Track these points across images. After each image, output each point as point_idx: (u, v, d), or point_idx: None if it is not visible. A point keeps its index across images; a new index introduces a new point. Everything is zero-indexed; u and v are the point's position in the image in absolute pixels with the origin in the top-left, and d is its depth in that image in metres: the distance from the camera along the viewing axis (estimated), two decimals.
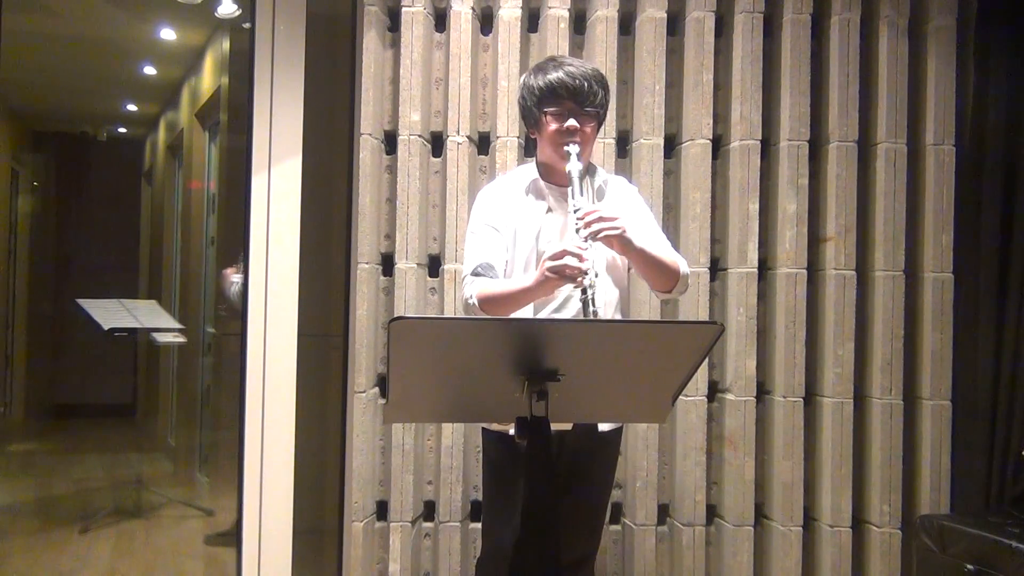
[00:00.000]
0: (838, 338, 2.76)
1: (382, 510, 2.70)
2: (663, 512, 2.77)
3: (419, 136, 2.68)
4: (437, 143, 2.76)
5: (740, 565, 2.72)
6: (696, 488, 2.70)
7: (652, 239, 2.06)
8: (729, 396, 2.75)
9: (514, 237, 2.07)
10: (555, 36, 2.69)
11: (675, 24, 2.82)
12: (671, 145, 2.82)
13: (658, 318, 2.68)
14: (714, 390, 2.80)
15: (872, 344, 2.80)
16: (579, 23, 2.82)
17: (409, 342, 1.46)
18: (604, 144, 2.70)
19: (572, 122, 1.99)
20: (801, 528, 2.74)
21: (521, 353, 1.48)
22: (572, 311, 2.03)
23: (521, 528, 1.65)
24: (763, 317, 2.80)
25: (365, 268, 2.65)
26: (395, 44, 2.74)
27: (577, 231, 1.84)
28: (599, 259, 1.97)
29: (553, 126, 2.01)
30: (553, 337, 1.50)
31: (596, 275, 1.82)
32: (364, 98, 2.68)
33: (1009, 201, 2.93)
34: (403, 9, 2.67)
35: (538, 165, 2.14)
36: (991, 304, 2.91)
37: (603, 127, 2.67)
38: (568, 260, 1.78)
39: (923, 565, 2.69)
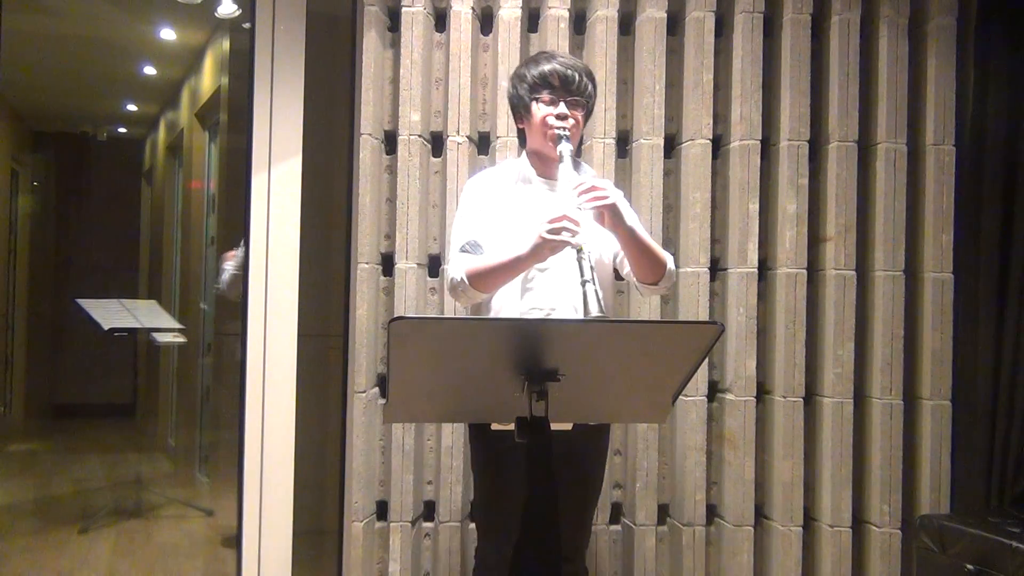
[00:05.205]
0: (838, 338, 2.76)
1: (382, 510, 2.70)
2: (663, 512, 2.77)
3: (419, 136, 2.68)
4: (437, 143, 2.76)
5: (740, 565, 2.72)
6: (696, 488, 2.70)
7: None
8: (729, 396, 2.75)
9: (502, 223, 2.07)
10: (555, 36, 2.69)
11: (675, 24, 2.82)
12: (671, 145, 2.82)
13: (658, 318, 2.68)
14: (714, 390, 2.80)
15: (872, 344, 2.80)
16: (579, 23, 2.82)
17: (409, 342, 1.46)
18: (604, 144, 2.70)
19: (563, 108, 2.04)
20: (801, 528, 2.74)
21: (521, 353, 1.48)
22: (566, 294, 2.04)
23: (521, 528, 1.66)
24: (763, 317, 2.80)
25: (365, 268, 2.65)
26: (395, 44, 2.74)
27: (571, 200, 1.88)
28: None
29: (544, 112, 2.05)
30: (553, 337, 1.50)
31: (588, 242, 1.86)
32: (364, 98, 2.68)
33: (1009, 201, 2.92)
34: (403, 9, 2.67)
35: (528, 156, 2.17)
36: (991, 304, 2.91)
37: (604, 127, 2.70)
38: (566, 223, 1.82)
39: (923, 565, 2.69)
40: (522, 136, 2.19)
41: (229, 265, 3.53)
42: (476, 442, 2.14)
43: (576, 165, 2.09)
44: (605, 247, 2.10)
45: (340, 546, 2.76)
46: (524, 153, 2.19)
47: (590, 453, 2.14)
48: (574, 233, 1.81)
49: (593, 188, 1.88)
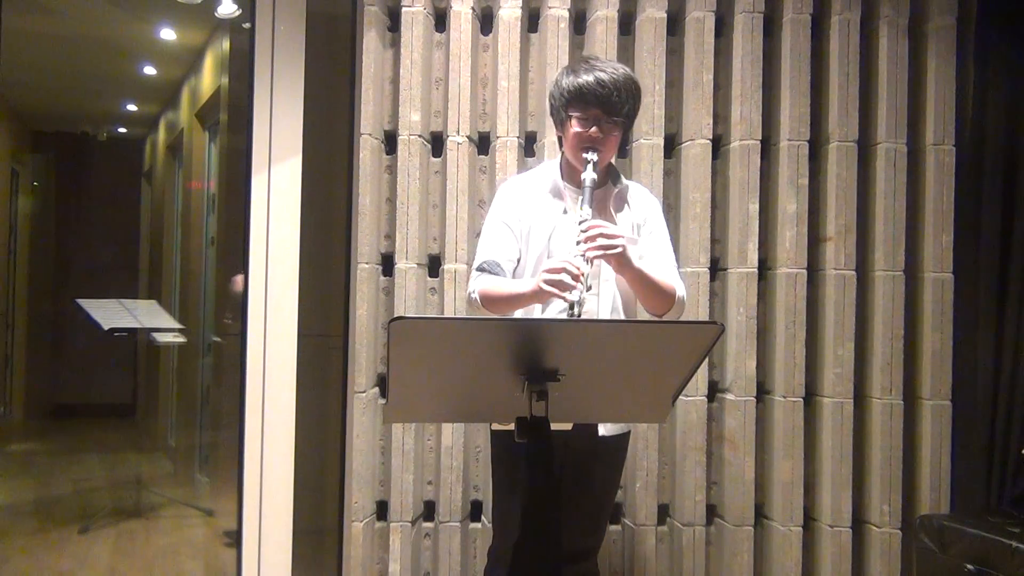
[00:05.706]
0: (838, 338, 2.75)
1: (382, 510, 2.70)
2: (663, 512, 2.77)
3: (419, 136, 2.68)
4: (437, 143, 2.76)
5: (740, 565, 2.72)
6: (696, 488, 2.70)
7: (655, 260, 2.07)
8: (729, 396, 2.75)
9: (528, 235, 2.09)
10: (555, 36, 2.69)
11: (675, 24, 2.82)
12: (671, 145, 2.82)
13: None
14: (714, 390, 2.80)
15: (872, 344, 2.80)
16: (579, 23, 2.82)
17: (409, 342, 1.47)
18: None
19: (594, 130, 1.99)
20: (801, 528, 2.74)
21: (521, 353, 1.48)
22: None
23: (521, 527, 1.66)
24: (763, 317, 2.80)
25: (365, 268, 2.65)
26: (395, 44, 2.74)
27: (577, 243, 1.86)
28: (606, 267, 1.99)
29: (576, 130, 2.02)
30: (553, 337, 1.50)
31: (588, 288, 1.85)
32: (364, 98, 2.68)
33: (1009, 201, 2.92)
34: (403, 9, 2.67)
35: (561, 164, 2.16)
36: (991, 304, 2.91)
37: None
38: (563, 276, 1.80)
39: (923, 565, 2.69)
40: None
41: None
42: (495, 441, 2.15)
43: (614, 179, 2.11)
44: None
45: (340, 546, 2.76)
46: (559, 159, 2.17)
47: (608, 457, 2.14)
48: (570, 289, 1.78)
49: (602, 235, 1.85)
